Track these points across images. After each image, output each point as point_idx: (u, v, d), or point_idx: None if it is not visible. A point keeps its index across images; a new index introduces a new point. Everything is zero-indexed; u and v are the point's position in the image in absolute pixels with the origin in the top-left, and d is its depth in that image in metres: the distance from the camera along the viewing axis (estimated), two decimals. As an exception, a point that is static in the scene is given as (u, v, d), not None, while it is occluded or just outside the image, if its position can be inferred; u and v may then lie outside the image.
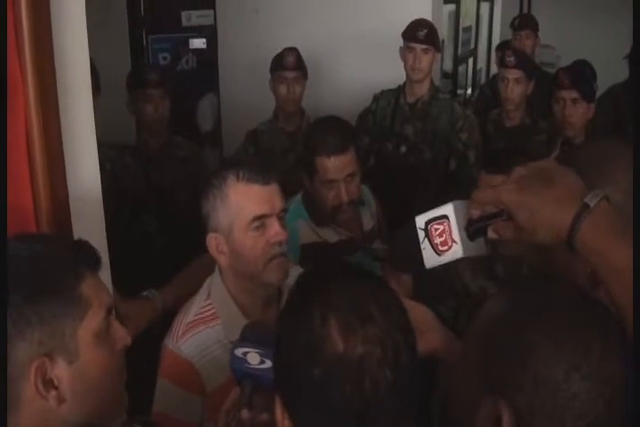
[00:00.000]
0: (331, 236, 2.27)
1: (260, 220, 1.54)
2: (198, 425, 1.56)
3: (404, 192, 2.95)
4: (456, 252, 1.02)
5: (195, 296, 1.67)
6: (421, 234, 1.06)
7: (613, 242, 0.92)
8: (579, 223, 0.91)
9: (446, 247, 1.03)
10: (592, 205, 0.92)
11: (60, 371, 1.01)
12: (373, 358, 0.84)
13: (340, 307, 0.87)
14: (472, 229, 1.02)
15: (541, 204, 0.94)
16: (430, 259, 1.05)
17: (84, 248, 1.11)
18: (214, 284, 1.65)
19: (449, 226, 1.03)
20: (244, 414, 1.19)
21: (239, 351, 1.21)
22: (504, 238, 1.00)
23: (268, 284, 1.58)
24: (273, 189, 1.57)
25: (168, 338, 1.61)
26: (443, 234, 1.03)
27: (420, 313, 1.27)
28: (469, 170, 3.07)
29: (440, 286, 2.09)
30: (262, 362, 1.19)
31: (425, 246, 1.05)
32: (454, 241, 1.02)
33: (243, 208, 1.54)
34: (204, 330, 1.57)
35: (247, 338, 1.24)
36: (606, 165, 1.11)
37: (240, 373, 1.22)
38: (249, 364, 1.20)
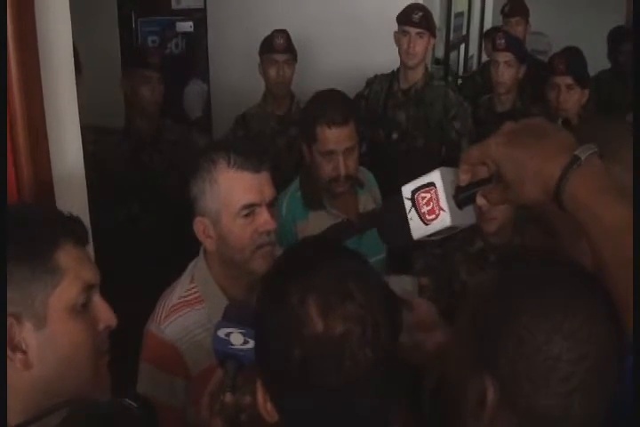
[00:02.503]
0: (323, 219, 2.24)
1: (250, 208, 1.52)
2: (182, 409, 1.54)
3: (395, 179, 2.92)
4: (444, 220, 0.99)
5: (177, 280, 1.64)
6: (408, 204, 1.02)
7: (602, 197, 0.88)
8: (567, 175, 0.88)
9: (434, 216, 0.99)
10: (583, 157, 0.88)
11: (28, 335, 1.02)
12: (353, 337, 0.83)
13: (318, 286, 0.85)
14: (461, 197, 0.98)
15: (530, 156, 0.91)
16: (417, 229, 1.01)
17: (69, 220, 1.11)
18: (198, 267, 1.63)
19: (436, 194, 0.99)
20: (228, 397, 1.17)
21: (222, 332, 1.19)
22: (491, 203, 0.97)
23: (254, 272, 1.55)
24: (263, 177, 1.54)
25: (150, 322, 1.59)
26: (430, 202, 0.99)
27: (425, 310, 1.27)
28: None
29: (437, 284, 2.08)
30: (246, 342, 1.17)
31: (412, 217, 1.01)
32: (442, 209, 0.98)
33: (232, 196, 1.51)
34: (188, 313, 1.55)
35: (230, 318, 1.21)
36: (610, 143, 1.06)
37: (223, 354, 1.20)
38: (232, 344, 1.18)
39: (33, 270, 1.02)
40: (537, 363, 0.85)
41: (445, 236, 1.04)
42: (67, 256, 1.06)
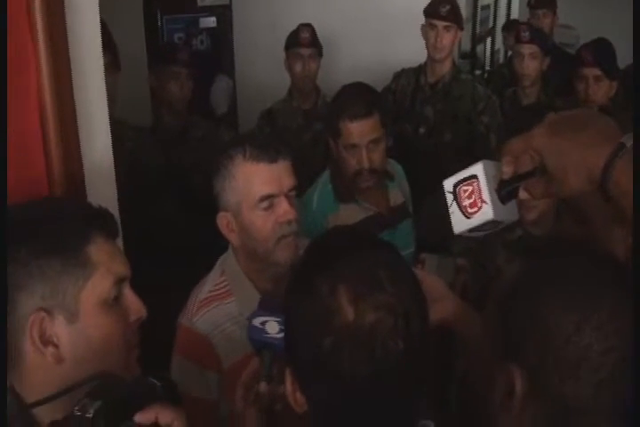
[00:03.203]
0: (354, 212, 2.24)
1: (268, 199, 1.52)
2: (214, 402, 1.55)
3: (422, 175, 2.90)
4: (485, 213, 0.97)
5: (207, 275, 1.66)
6: (449, 198, 1.01)
7: None
8: (613, 163, 0.87)
9: (475, 209, 0.98)
10: (629, 144, 0.87)
11: (60, 329, 1.02)
12: (385, 326, 0.83)
13: (348, 275, 0.85)
14: (504, 191, 0.97)
15: (574, 145, 0.90)
16: (459, 223, 1.00)
17: (100, 213, 1.12)
18: (227, 261, 1.64)
19: (478, 186, 0.97)
20: (263, 386, 1.18)
21: (257, 321, 1.19)
22: (534, 196, 0.96)
23: (278, 263, 1.55)
24: (281, 167, 1.54)
25: (182, 316, 1.61)
26: (472, 195, 0.98)
27: (431, 282, 1.26)
28: (491, 153, 3.01)
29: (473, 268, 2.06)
30: (281, 331, 1.16)
31: (453, 210, 1.00)
32: (484, 201, 0.97)
33: (250, 188, 1.52)
34: (219, 306, 1.57)
35: (265, 307, 1.22)
36: None
37: (259, 343, 1.20)
38: (267, 333, 1.18)
39: (64, 264, 1.03)
40: (566, 354, 0.85)
41: (487, 232, 1.02)
42: (98, 250, 1.06)
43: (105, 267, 1.06)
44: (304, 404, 0.91)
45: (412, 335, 0.85)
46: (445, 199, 1.02)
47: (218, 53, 4.08)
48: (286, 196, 1.54)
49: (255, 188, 1.52)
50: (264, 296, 1.28)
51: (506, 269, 2.05)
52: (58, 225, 1.05)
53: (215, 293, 1.59)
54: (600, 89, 2.99)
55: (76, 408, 0.87)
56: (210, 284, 1.62)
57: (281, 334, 1.16)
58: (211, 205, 1.63)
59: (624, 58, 3.52)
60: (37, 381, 1.02)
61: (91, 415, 0.85)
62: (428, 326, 0.89)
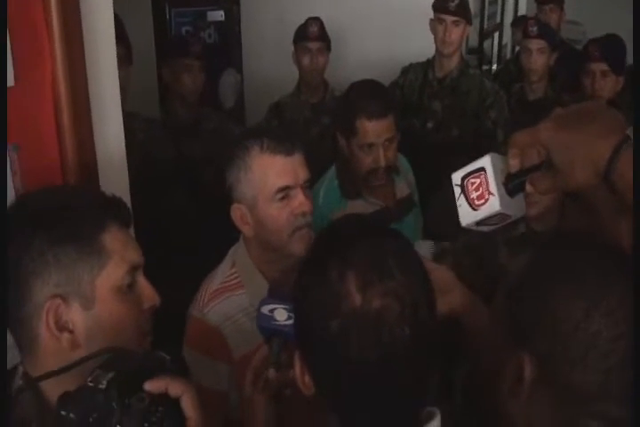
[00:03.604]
0: (361, 207, 2.25)
1: (285, 191, 1.53)
2: (225, 394, 1.56)
3: (430, 169, 2.91)
4: (493, 205, 0.98)
5: (218, 266, 1.66)
6: (457, 190, 1.02)
7: None
8: (618, 155, 0.88)
9: (482, 201, 0.99)
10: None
11: (75, 315, 1.04)
12: (391, 312, 0.84)
13: (358, 262, 0.86)
14: (511, 184, 0.98)
15: (580, 138, 0.91)
16: (466, 215, 1.01)
17: (115, 202, 1.13)
18: (238, 253, 1.65)
19: (485, 178, 0.98)
20: (272, 373, 1.19)
21: (266, 309, 1.21)
22: (540, 190, 0.97)
23: (292, 254, 1.56)
24: (297, 160, 1.55)
25: (193, 307, 1.61)
26: (479, 188, 0.99)
27: (440, 274, 1.26)
28: (498, 149, 3.00)
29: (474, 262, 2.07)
30: (290, 318, 1.18)
31: (461, 203, 1.01)
32: (491, 193, 0.98)
33: (266, 180, 1.53)
34: (230, 297, 1.57)
35: (274, 295, 1.23)
36: None
37: (268, 330, 1.21)
38: (276, 320, 1.19)
39: (79, 252, 1.04)
40: (575, 340, 0.86)
41: (495, 226, 1.03)
42: (112, 238, 1.08)
43: (119, 255, 1.07)
44: (312, 387, 0.93)
45: (420, 322, 0.86)
46: (453, 192, 1.03)
47: (225, 47, 4.08)
48: (302, 188, 1.55)
49: (272, 179, 1.53)
50: (273, 284, 1.29)
51: (510, 264, 2.06)
52: (74, 213, 1.07)
53: (226, 284, 1.60)
54: (607, 84, 3.00)
55: (89, 379, 0.87)
56: (221, 275, 1.62)
57: (289, 321, 1.17)
58: (222, 196, 1.63)
59: (631, 54, 3.53)
60: (52, 366, 1.02)
61: (104, 386, 0.86)
62: (436, 314, 0.90)
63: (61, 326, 1.03)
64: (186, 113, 3.01)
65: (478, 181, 0.99)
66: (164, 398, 0.88)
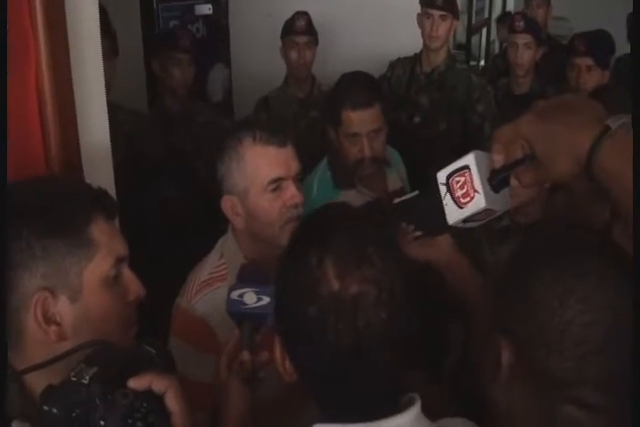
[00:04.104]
0: (354, 198, 2.26)
1: (277, 182, 1.53)
2: (212, 385, 1.56)
3: (417, 163, 2.92)
4: (478, 202, 0.99)
5: (206, 257, 1.66)
6: (443, 189, 1.03)
7: (631, 167, 0.87)
8: (599, 145, 0.88)
9: (468, 199, 1.00)
10: (614, 127, 0.88)
11: (62, 308, 1.04)
12: (368, 298, 0.86)
13: (337, 248, 0.88)
14: (496, 180, 0.99)
15: (562, 129, 0.91)
16: (452, 213, 1.03)
17: (101, 194, 1.13)
18: (227, 244, 1.64)
19: (470, 176, 0.99)
20: (245, 355, 1.20)
21: (235, 294, 1.22)
22: (525, 184, 0.98)
23: (283, 246, 1.56)
24: (289, 152, 1.55)
25: (180, 298, 1.61)
26: (464, 186, 1.00)
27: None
28: (485, 143, 3.01)
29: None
30: (259, 300, 1.19)
31: (447, 202, 1.03)
32: (476, 191, 0.99)
33: (259, 171, 1.53)
34: (219, 288, 1.56)
35: (243, 279, 1.24)
36: None
37: (238, 315, 1.22)
38: (245, 304, 1.20)
39: (67, 245, 1.04)
40: (551, 326, 0.86)
41: (481, 222, 1.04)
42: (99, 230, 1.08)
43: (106, 247, 1.08)
44: (293, 373, 0.95)
45: (396, 308, 0.88)
46: (439, 191, 1.04)
47: (214, 42, 4.08)
48: (294, 179, 1.55)
49: (264, 171, 1.53)
50: (242, 267, 1.29)
51: (494, 256, 2.08)
52: (62, 205, 1.07)
53: (214, 275, 1.59)
54: (591, 78, 3.02)
55: (72, 374, 0.87)
56: (209, 267, 1.62)
57: (259, 303, 1.19)
58: (211, 189, 1.63)
59: (618, 50, 3.55)
60: (39, 359, 1.02)
61: (87, 382, 0.86)
62: (414, 300, 0.92)
63: (48, 319, 1.03)
64: (176, 106, 3.01)
65: (463, 179, 1.00)
66: (148, 393, 0.88)
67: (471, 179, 1.00)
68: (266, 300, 1.17)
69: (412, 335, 0.91)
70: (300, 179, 1.60)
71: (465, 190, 1.01)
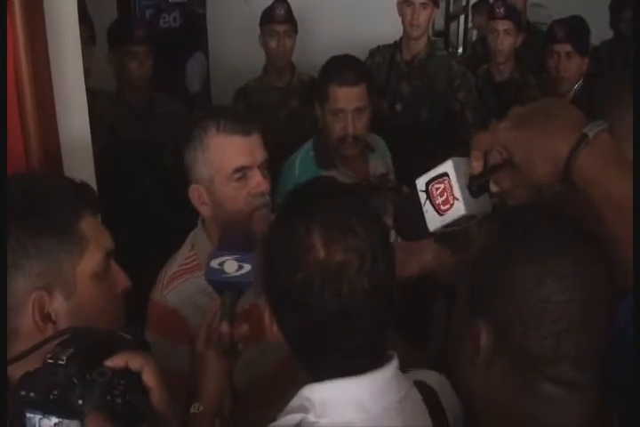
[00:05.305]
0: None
1: (242, 171, 1.53)
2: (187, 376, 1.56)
3: (399, 151, 2.92)
4: (458, 209, 1.00)
5: (178, 251, 1.66)
6: (422, 196, 1.04)
7: (611, 173, 0.90)
8: (576, 153, 0.90)
9: (448, 206, 1.01)
10: (591, 135, 0.90)
11: (58, 306, 1.05)
12: (352, 266, 0.91)
13: (323, 219, 0.93)
14: (475, 185, 0.99)
15: (539, 136, 0.92)
16: (433, 221, 1.03)
17: (85, 188, 1.14)
18: (197, 235, 1.65)
19: (449, 183, 1.00)
20: (225, 326, 1.21)
21: (215, 263, 1.21)
22: (504, 189, 0.98)
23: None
24: (254, 140, 1.55)
25: (154, 290, 1.61)
26: (444, 193, 1.01)
27: None
28: (467, 129, 3.03)
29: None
30: (240, 268, 1.19)
31: (427, 209, 1.03)
32: (456, 198, 1.00)
33: (224, 160, 1.53)
34: (189, 280, 1.56)
35: (224, 246, 1.23)
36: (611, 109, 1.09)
37: (219, 284, 1.21)
38: (226, 273, 1.19)
39: (60, 242, 1.04)
40: (528, 306, 0.88)
41: (462, 227, 1.05)
42: (88, 226, 1.09)
43: (96, 242, 1.09)
44: (281, 337, 0.99)
45: (378, 276, 0.93)
46: (417, 198, 1.04)
47: (191, 31, 4.04)
48: (259, 168, 1.55)
49: (229, 159, 1.52)
50: (222, 235, 1.28)
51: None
52: (51, 203, 1.07)
53: (185, 266, 1.60)
54: (571, 65, 3.02)
55: (49, 356, 0.87)
56: (180, 258, 1.62)
57: (240, 272, 1.18)
58: (180, 180, 1.63)
59: (596, 36, 3.57)
60: (33, 358, 0.99)
61: (63, 362, 0.86)
62: (394, 269, 0.97)
63: (44, 317, 1.03)
64: (136, 98, 2.96)
65: (442, 186, 1.01)
66: (125, 372, 0.89)
67: (450, 186, 1.01)
68: (247, 268, 1.17)
69: (392, 301, 0.96)
70: (266, 167, 1.60)
71: (445, 197, 1.02)
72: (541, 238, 0.91)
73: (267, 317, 1.00)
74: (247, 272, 1.16)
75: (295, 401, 0.97)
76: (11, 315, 1.02)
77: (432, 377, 1.09)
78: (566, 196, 1.00)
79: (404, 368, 1.01)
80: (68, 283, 1.05)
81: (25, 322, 1.03)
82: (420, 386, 1.03)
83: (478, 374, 0.94)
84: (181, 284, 1.57)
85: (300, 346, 0.98)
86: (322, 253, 0.90)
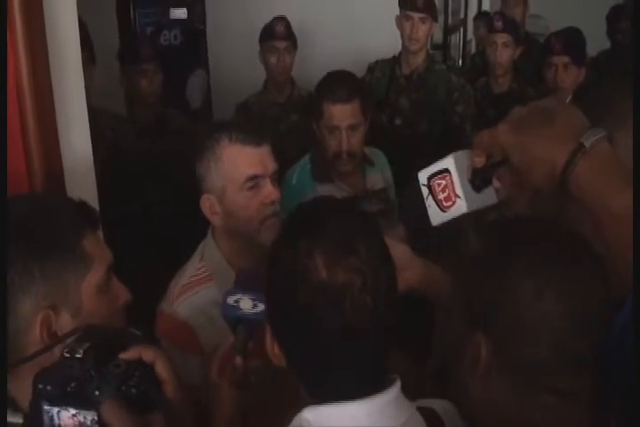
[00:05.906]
0: (330, 192, 2.31)
1: (254, 180, 1.56)
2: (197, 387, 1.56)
3: (399, 165, 2.93)
4: (460, 207, 1.00)
5: (188, 262, 1.67)
6: (425, 191, 1.03)
7: (608, 184, 0.89)
8: (573, 163, 0.89)
9: (450, 203, 1.01)
10: (588, 145, 0.89)
11: (65, 324, 1.05)
12: (354, 286, 0.90)
13: (325, 239, 0.92)
14: (477, 180, 0.99)
15: (537, 142, 0.92)
16: (436, 216, 1.03)
17: (84, 207, 1.15)
18: (207, 246, 1.66)
19: (451, 180, 1.00)
20: (238, 360, 1.21)
21: (231, 299, 1.22)
22: (505, 185, 0.99)
23: (261, 244, 1.57)
24: (265, 151, 1.58)
25: (163, 302, 1.62)
26: (445, 189, 1.01)
27: (398, 251, 1.27)
28: (466, 142, 3.01)
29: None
30: (255, 306, 1.20)
31: (430, 204, 1.03)
32: (458, 196, 0.99)
33: (236, 169, 1.56)
34: (199, 291, 1.58)
35: (240, 285, 1.24)
36: (612, 109, 1.08)
37: (233, 319, 1.23)
38: (241, 309, 1.21)
39: (65, 262, 1.05)
40: (528, 319, 0.88)
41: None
42: (91, 243, 1.10)
43: (98, 258, 1.10)
44: (282, 358, 0.98)
45: (381, 295, 0.92)
46: (421, 191, 1.04)
47: (191, 47, 4.07)
48: (271, 178, 1.58)
49: (241, 169, 1.55)
50: (239, 274, 1.30)
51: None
52: (54, 223, 1.08)
53: (195, 278, 1.61)
54: (568, 76, 3.04)
55: (66, 350, 0.90)
56: (190, 270, 1.64)
57: (255, 310, 1.20)
58: (189, 194, 1.64)
59: (593, 46, 3.59)
60: None
61: (80, 355, 0.89)
62: (396, 288, 0.97)
63: (51, 335, 1.04)
64: (147, 114, 3.00)
65: (444, 182, 1.01)
66: (139, 364, 0.93)
67: (452, 183, 1.00)
68: (261, 307, 1.18)
69: (394, 320, 0.96)
70: (277, 178, 1.63)
71: (447, 194, 1.01)
72: (539, 252, 0.91)
73: (267, 338, 0.99)
74: (261, 311, 1.18)
75: (294, 423, 0.96)
76: (18, 336, 1.03)
77: (437, 404, 1.07)
78: (564, 205, 1.00)
79: (408, 395, 0.99)
80: (74, 301, 1.06)
81: (33, 340, 1.03)
82: (424, 411, 1.01)
83: (477, 385, 0.94)
84: (192, 296, 1.58)
85: (301, 367, 0.98)
86: (324, 274, 0.90)
